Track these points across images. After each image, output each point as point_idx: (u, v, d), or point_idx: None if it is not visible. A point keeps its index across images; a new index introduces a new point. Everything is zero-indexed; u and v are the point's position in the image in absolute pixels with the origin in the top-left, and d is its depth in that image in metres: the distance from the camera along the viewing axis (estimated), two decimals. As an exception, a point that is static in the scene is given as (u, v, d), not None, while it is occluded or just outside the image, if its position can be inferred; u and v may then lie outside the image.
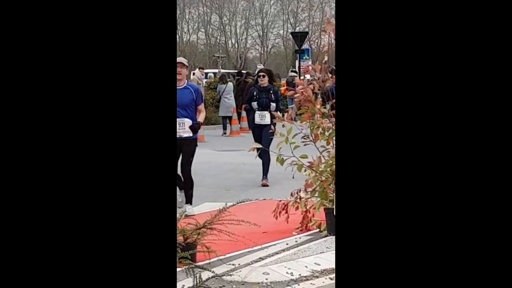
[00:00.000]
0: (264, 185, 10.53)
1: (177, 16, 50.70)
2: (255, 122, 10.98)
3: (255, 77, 11.53)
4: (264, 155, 10.20)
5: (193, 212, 7.90)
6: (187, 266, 4.80)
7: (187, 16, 53.87)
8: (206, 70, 29.38)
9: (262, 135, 10.62)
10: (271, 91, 11.00)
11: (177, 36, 52.53)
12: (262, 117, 10.87)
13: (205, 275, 4.68)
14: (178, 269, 4.57)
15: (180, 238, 5.43)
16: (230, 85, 20.40)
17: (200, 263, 5.06)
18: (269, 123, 10.30)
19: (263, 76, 11.13)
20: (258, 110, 10.91)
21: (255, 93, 11.08)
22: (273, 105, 10.84)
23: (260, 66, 25.21)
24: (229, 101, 19.97)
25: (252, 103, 11.00)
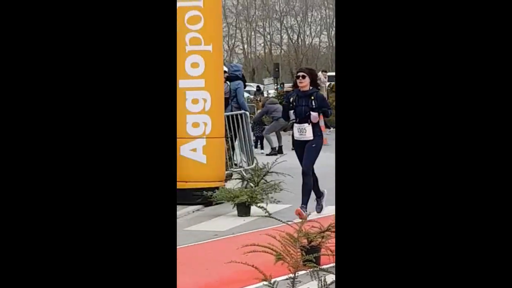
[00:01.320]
0: (299, 214, 8.30)
1: (299, 19, 50.79)
2: (295, 138, 8.95)
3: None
4: (305, 176, 8.61)
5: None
6: (311, 269, 4.79)
7: (309, 19, 53.88)
8: (329, 73, 29.31)
9: (305, 151, 8.67)
10: (313, 97, 8.71)
11: (299, 40, 52.61)
12: (302, 132, 8.73)
13: (329, 278, 4.67)
14: (302, 272, 4.63)
15: (304, 241, 5.45)
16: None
17: (324, 266, 5.05)
18: (312, 137, 8.64)
19: (303, 77, 8.79)
20: (296, 122, 8.77)
21: (291, 99, 8.88)
22: (313, 115, 8.62)
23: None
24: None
25: (290, 112, 8.85)
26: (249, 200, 8.85)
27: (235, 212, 9.06)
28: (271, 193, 8.97)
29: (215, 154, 9.89)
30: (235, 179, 10.59)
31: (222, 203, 9.27)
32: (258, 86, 27.10)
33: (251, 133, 13.22)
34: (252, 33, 53.39)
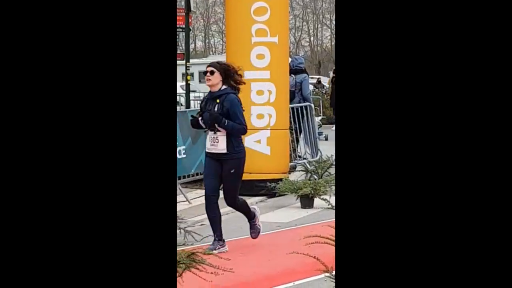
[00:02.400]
0: None
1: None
2: (206, 150, 6.96)
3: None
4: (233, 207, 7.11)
5: None
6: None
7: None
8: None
9: (223, 180, 6.87)
10: (219, 100, 6.72)
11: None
12: (213, 141, 6.82)
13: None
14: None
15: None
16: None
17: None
18: (224, 150, 6.74)
19: (211, 73, 6.77)
20: (207, 129, 6.87)
21: (203, 103, 7.06)
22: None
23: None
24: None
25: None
26: (312, 192, 8.84)
27: (298, 204, 9.05)
28: (334, 185, 8.93)
29: (279, 146, 9.89)
30: (299, 171, 10.57)
31: (285, 194, 9.27)
32: (318, 79, 26.89)
33: (316, 125, 13.16)
34: (319, 26, 53.14)
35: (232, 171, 6.70)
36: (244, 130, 6.79)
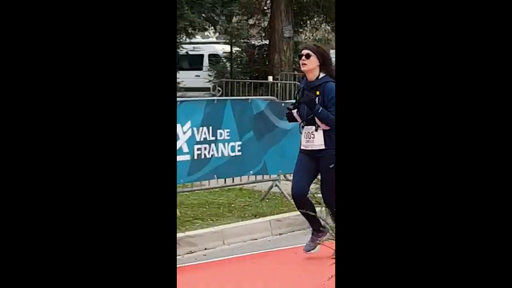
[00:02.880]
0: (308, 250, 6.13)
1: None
2: (301, 147, 6.09)
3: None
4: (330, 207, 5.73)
5: None
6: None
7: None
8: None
9: (322, 178, 5.97)
10: (318, 91, 5.81)
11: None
12: (309, 137, 5.92)
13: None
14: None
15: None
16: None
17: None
18: (322, 145, 5.86)
19: (307, 57, 5.83)
20: (303, 124, 5.98)
21: (298, 94, 6.12)
22: (322, 111, 5.79)
23: None
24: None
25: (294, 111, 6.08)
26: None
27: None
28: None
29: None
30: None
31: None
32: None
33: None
34: None
35: (331, 166, 5.55)
36: None
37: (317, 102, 5.73)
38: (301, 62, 5.89)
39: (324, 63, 5.83)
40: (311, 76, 5.84)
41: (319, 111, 5.71)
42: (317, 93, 5.77)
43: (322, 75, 5.82)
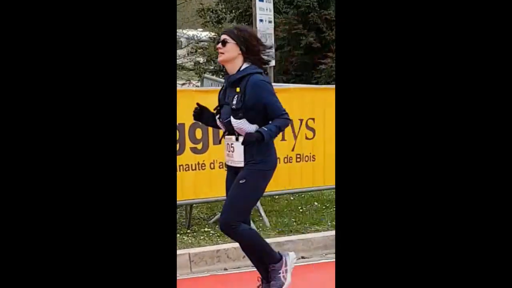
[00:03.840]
0: None
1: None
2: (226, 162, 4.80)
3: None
4: (228, 233, 4.58)
5: None
6: None
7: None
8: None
9: (231, 189, 4.58)
10: (238, 88, 4.51)
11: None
12: (228, 150, 4.63)
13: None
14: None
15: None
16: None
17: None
18: (241, 163, 4.55)
19: (223, 44, 4.56)
20: (225, 133, 4.69)
21: (221, 92, 4.74)
22: (235, 123, 4.50)
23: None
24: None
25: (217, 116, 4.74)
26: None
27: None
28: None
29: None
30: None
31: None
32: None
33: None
34: None
35: (241, 181, 4.48)
36: (286, 123, 4.51)
37: (234, 103, 4.48)
38: (217, 49, 4.58)
39: (248, 50, 4.53)
40: (231, 68, 4.55)
41: (269, 134, 4.42)
42: (237, 89, 4.48)
43: (245, 65, 4.54)
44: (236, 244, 4.83)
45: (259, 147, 4.45)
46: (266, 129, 4.42)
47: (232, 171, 4.63)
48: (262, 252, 4.64)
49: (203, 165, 6.54)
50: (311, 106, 6.95)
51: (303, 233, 6.52)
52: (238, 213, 4.50)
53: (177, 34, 17.51)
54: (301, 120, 6.95)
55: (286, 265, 4.68)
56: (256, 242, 4.59)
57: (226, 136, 4.64)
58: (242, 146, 4.48)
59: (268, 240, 4.99)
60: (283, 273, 4.65)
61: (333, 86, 7.02)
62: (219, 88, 4.82)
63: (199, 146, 6.53)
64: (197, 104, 4.78)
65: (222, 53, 4.53)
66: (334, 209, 7.15)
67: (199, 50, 17.52)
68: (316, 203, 7.68)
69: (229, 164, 4.64)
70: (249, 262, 4.98)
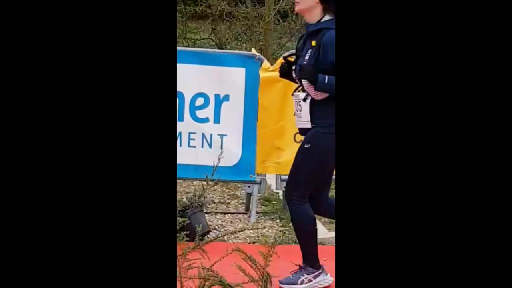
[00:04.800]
0: None
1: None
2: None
3: None
4: (289, 205, 4.36)
5: None
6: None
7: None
8: None
9: (295, 157, 4.30)
10: (315, 41, 4.17)
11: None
12: (297, 109, 4.29)
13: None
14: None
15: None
16: None
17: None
18: (308, 124, 4.23)
19: None
20: (297, 88, 4.36)
21: (299, 43, 4.38)
22: (306, 80, 4.21)
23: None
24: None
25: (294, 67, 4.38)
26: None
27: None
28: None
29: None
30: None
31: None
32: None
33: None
34: None
35: (306, 146, 4.14)
36: None
37: (307, 58, 4.14)
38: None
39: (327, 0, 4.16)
40: (309, 19, 4.20)
41: (325, 81, 4.04)
42: (313, 43, 4.13)
43: (327, 17, 4.17)
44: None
45: (331, 107, 3.87)
46: (327, 79, 4.06)
47: (301, 134, 4.30)
48: (307, 249, 4.33)
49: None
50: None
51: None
52: (300, 185, 4.14)
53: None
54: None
55: (316, 277, 4.35)
56: (306, 237, 4.27)
57: (295, 93, 4.29)
58: (308, 106, 4.15)
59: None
60: (306, 278, 4.34)
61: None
62: None
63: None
64: (284, 58, 4.43)
65: (298, 2, 4.21)
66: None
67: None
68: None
69: (298, 126, 4.29)
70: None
